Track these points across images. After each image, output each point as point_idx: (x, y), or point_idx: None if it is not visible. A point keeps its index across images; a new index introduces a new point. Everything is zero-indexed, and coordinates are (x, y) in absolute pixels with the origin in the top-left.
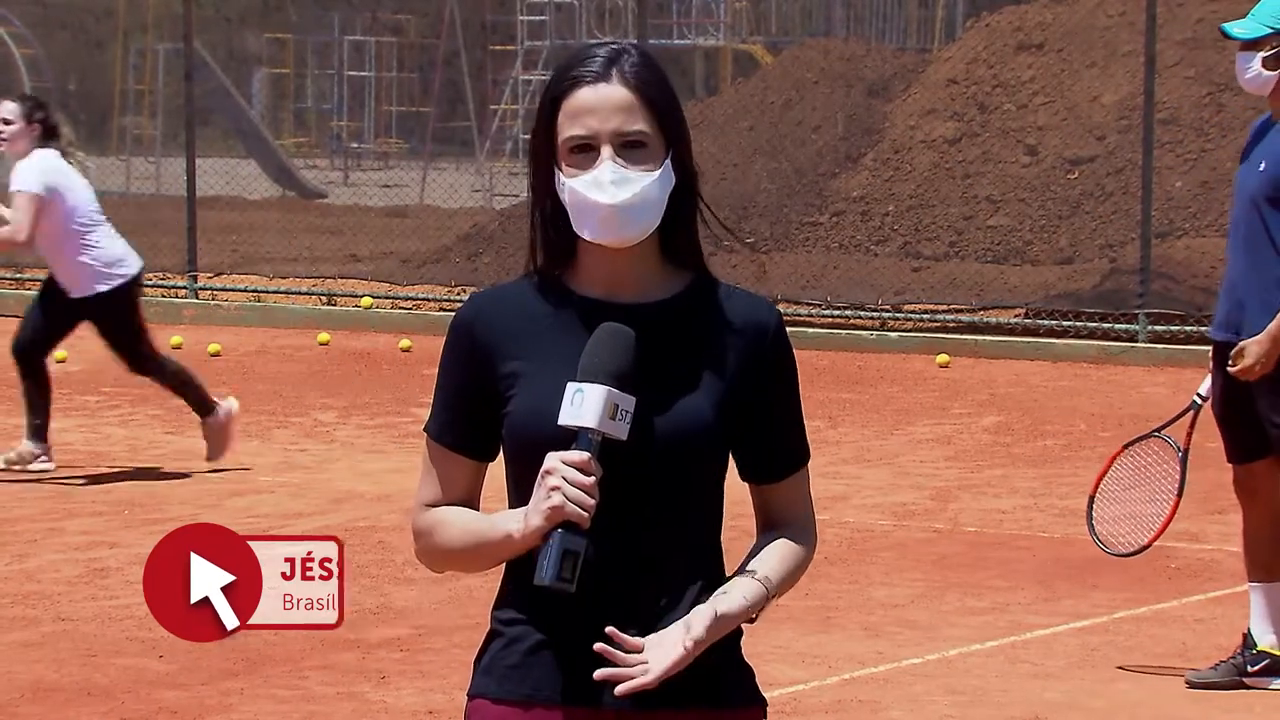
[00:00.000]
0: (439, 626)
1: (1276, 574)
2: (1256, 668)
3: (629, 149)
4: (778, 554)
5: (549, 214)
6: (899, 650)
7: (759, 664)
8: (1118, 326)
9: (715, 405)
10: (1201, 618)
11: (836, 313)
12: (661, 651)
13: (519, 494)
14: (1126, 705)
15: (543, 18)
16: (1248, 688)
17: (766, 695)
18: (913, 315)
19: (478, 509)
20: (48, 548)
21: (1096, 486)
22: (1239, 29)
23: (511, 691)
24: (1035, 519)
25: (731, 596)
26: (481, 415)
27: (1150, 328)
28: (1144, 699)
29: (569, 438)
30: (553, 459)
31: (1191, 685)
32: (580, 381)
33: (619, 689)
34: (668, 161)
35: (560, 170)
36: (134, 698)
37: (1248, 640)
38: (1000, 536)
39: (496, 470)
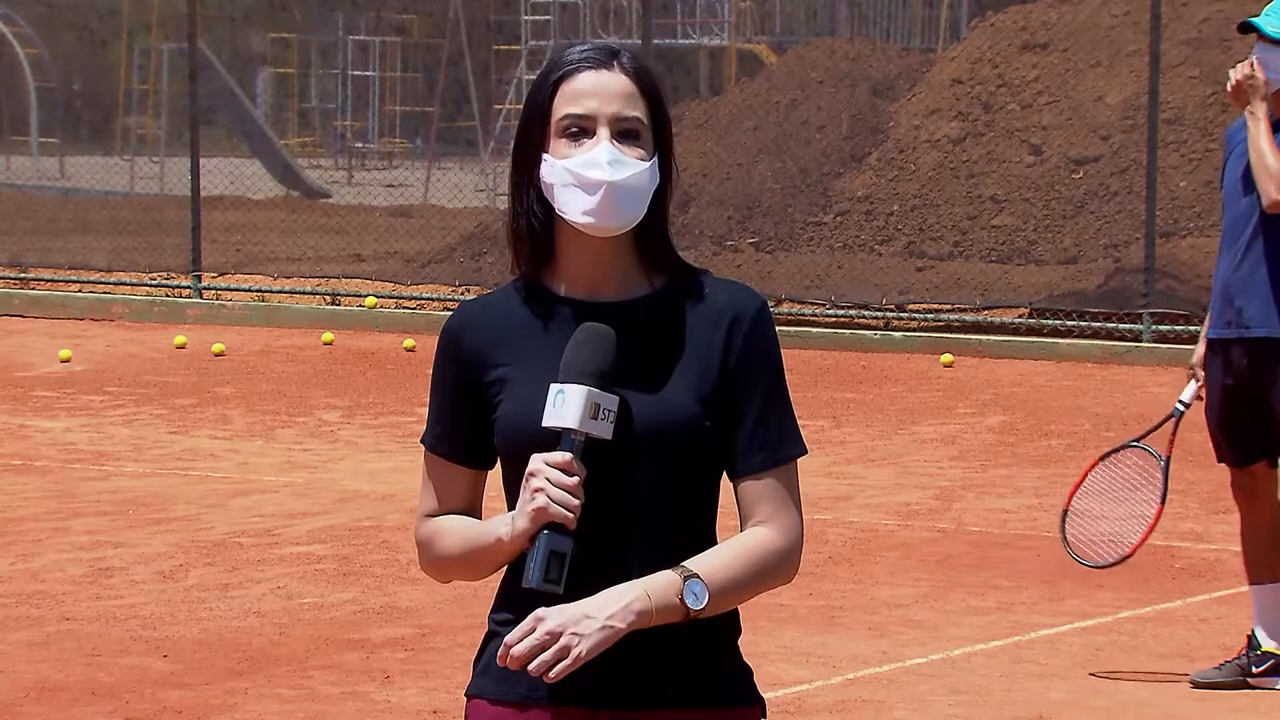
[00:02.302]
0: (443, 626)
1: (1278, 574)
2: (1261, 669)
3: (624, 136)
4: (724, 548)
5: (532, 209)
6: (903, 650)
7: (763, 663)
8: (1122, 326)
9: (699, 399)
10: (1206, 617)
11: (841, 312)
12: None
13: (513, 497)
14: (1131, 705)
15: (547, 18)
16: (1252, 688)
17: (770, 695)
18: (917, 315)
19: (480, 517)
20: (52, 547)
21: (1070, 499)
22: (1272, 27)
23: (508, 692)
24: (1039, 519)
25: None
26: (475, 424)
27: (1155, 327)
28: (1148, 699)
29: (555, 439)
30: (536, 460)
31: (1196, 685)
32: (562, 382)
33: (554, 674)
34: (655, 159)
35: (548, 154)
36: (138, 697)
37: (1252, 641)
38: (1004, 536)
39: (496, 475)
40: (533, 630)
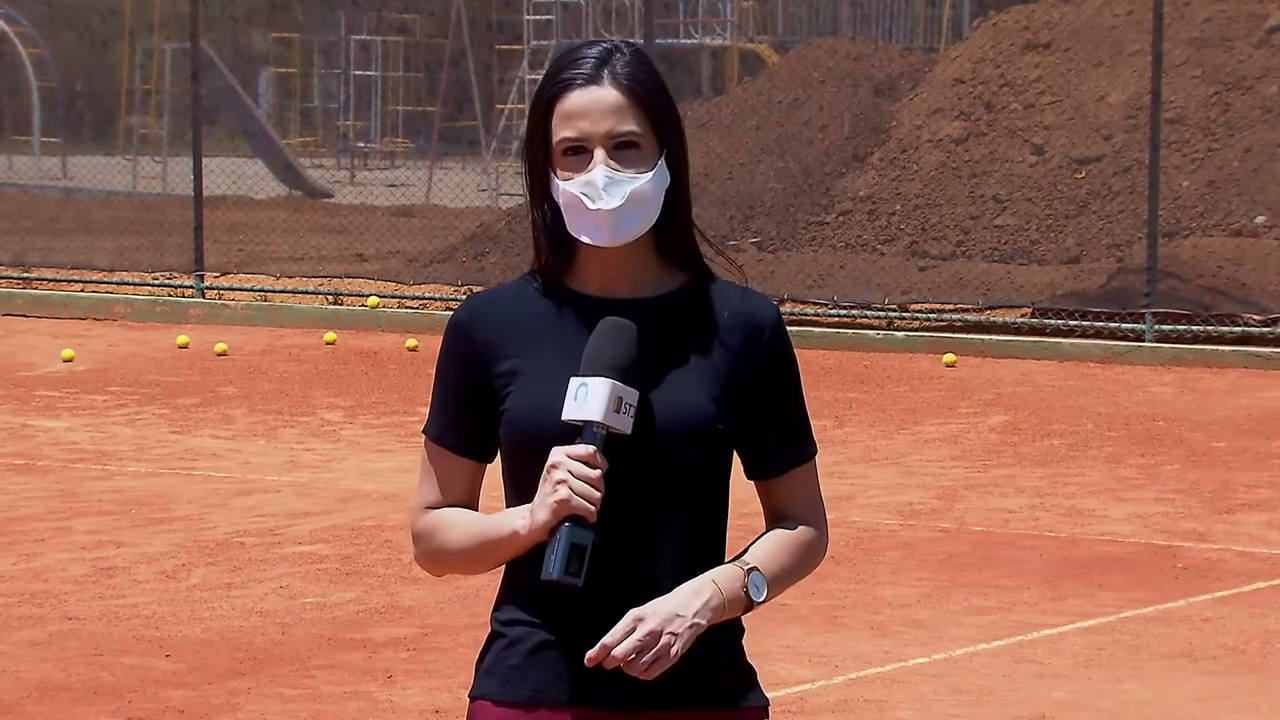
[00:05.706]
0: (446, 626)
1: None
2: None
3: (621, 150)
4: (770, 541)
5: (545, 215)
6: (905, 650)
7: (765, 663)
8: (1124, 326)
9: (714, 399)
10: (1208, 617)
11: (843, 312)
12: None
13: (518, 492)
14: (1133, 705)
15: (549, 17)
16: None
17: (773, 695)
18: (919, 315)
19: (477, 510)
20: (55, 547)
21: None
22: None
23: (514, 692)
24: (1042, 518)
25: (703, 582)
26: (480, 416)
27: (1157, 327)
28: (1151, 699)
29: (570, 433)
30: (558, 453)
31: None
32: (584, 375)
33: (651, 673)
34: (662, 161)
35: (554, 173)
36: (141, 697)
37: None
38: (1007, 536)
39: (493, 470)
40: (633, 630)
